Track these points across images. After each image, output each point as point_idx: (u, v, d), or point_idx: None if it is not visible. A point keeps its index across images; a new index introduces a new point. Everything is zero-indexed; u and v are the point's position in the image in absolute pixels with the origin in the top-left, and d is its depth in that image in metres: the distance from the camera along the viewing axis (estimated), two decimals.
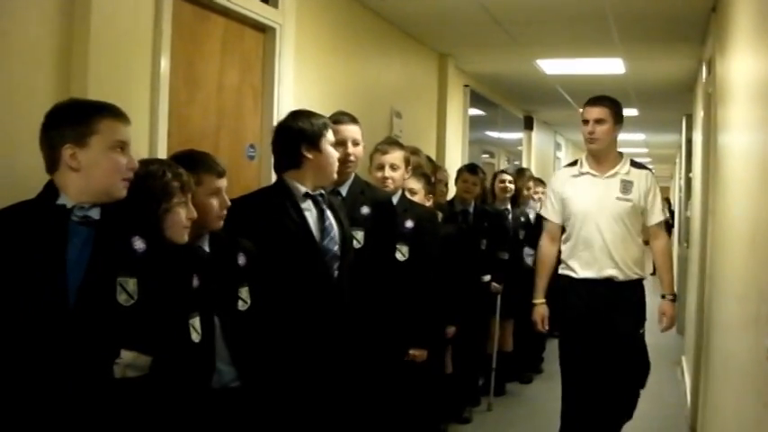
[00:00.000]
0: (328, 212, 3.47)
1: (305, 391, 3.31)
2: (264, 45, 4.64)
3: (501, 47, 7.62)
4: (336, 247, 3.43)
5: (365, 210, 3.85)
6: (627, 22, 6.47)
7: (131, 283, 2.48)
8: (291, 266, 3.33)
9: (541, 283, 4.93)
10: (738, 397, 3.21)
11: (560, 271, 4.84)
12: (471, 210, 6.36)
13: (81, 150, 2.47)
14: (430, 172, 5.22)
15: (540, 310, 4.90)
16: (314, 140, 3.46)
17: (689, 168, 9.63)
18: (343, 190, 3.94)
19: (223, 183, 3.08)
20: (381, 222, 3.91)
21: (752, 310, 2.94)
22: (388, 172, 4.30)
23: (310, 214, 3.44)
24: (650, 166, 4.74)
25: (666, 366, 7.67)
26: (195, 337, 2.80)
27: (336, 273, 3.43)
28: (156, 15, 3.56)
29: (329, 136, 3.50)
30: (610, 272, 4.64)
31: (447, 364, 5.72)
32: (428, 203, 4.89)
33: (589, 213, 4.69)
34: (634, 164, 4.82)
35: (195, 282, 2.86)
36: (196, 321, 2.81)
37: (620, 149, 4.86)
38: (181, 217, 2.78)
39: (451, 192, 6.64)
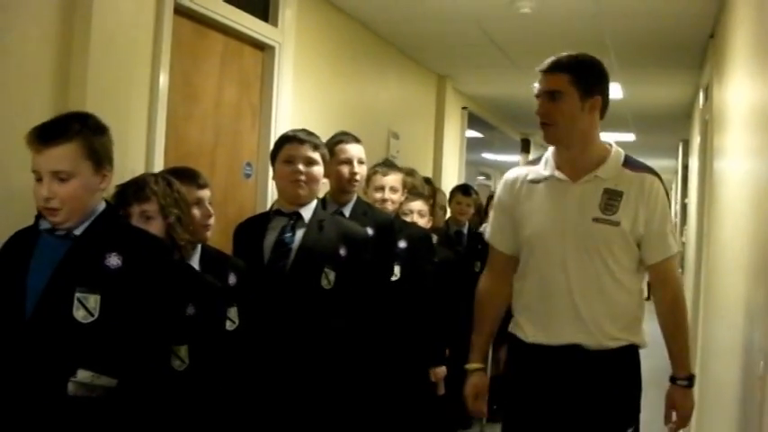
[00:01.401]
0: (299, 230, 3.39)
1: (269, 407, 3.26)
2: (263, 63, 4.65)
3: (499, 69, 7.65)
4: (284, 263, 3.35)
5: (368, 231, 3.82)
6: (625, 48, 6.50)
7: (92, 300, 2.41)
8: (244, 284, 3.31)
9: (478, 339, 3.23)
10: (730, 425, 3.20)
11: (509, 328, 3.13)
12: (465, 231, 6.35)
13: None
14: (428, 193, 5.22)
15: (474, 380, 3.18)
16: (273, 160, 3.50)
17: (685, 194, 9.66)
18: (347, 211, 3.93)
19: (204, 193, 3.11)
20: (382, 244, 3.89)
21: (744, 336, 2.93)
22: (387, 194, 4.30)
23: (273, 231, 3.42)
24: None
25: (658, 392, 7.65)
26: (178, 365, 2.76)
27: (280, 288, 3.32)
28: (155, 31, 3.56)
29: (284, 153, 3.44)
30: (574, 337, 2.90)
31: (439, 386, 5.70)
32: (428, 224, 4.88)
33: (548, 241, 2.96)
34: (630, 164, 3.01)
35: (191, 310, 2.83)
36: (182, 350, 2.77)
37: (608, 141, 3.09)
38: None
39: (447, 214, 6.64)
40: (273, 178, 3.54)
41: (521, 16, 5.60)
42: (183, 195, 2.94)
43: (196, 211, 3.06)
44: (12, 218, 2.60)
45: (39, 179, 2.43)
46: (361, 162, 3.98)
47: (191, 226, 2.95)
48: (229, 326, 3.03)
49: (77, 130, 2.47)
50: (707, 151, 5.69)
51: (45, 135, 2.43)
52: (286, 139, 3.48)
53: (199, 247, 3.09)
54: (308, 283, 3.34)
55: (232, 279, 3.09)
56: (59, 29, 3.08)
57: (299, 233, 3.39)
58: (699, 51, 6.36)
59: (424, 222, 4.72)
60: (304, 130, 3.53)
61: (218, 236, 3.52)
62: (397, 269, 4.19)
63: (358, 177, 3.96)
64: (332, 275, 3.38)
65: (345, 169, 3.90)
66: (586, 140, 2.98)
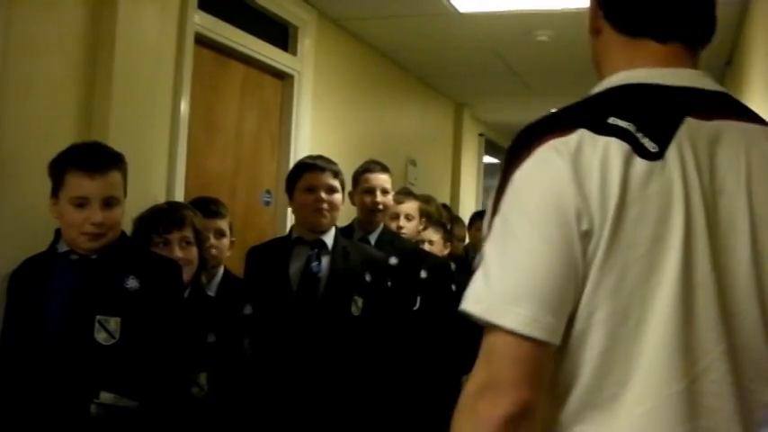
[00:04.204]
0: (324, 257, 3.38)
1: None
2: (282, 92, 4.69)
3: (516, 97, 7.67)
4: (315, 293, 3.33)
5: (393, 260, 3.80)
6: None
7: (113, 323, 2.43)
8: (267, 311, 3.29)
9: None
10: None
11: None
12: None
13: (57, 202, 2.50)
14: (446, 219, 5.19)
15: None
16: (289, 187, 3.49)
17: None
18: (372, 239, 3.92)
19: (210, 224, 3.12)
20: (406, 273, 3.87)
21: None
22: (402, 222, 4.23)
23: (297, 259, 3.43)
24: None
25: None
26: (197, 392, 2.77)
27: (312, 316, 3.30)
28: (177, 60, 3.61)
29: (304, 181, 3.42)
30: None
31: None
32: (445, 252, 4.85)
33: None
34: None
35: (212, 338, 2.85)
36: (202, 377, 2.79)
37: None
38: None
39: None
40: (291, 206, 3.54)
41: (538, 44, 5.63)
42: (204, 224, 3.00)
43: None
44: (36, 244, 2.62)
45: (80, 205, 2.45)
46: (385, 192, 3.96)
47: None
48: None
49: (122, 160, 2.55)
50: None
51: (101, 162, 2.48)
52: (305, 167, 3.47)
53: (220, 272, 3.12)
54: (340, 311, 3.34)
55: (248, 309, 3.09)
56: (83, 59, 3.13)
57: (325, 261, 3.37)
58: (715, 78, 6.32)
59: (437, 250, 4.69)
60: (321, 158, 3.52)
61: (239, 263, 3.55)
62: (417, 299, 4.17)
63: (380, 207, 3.95)
64: (360, 302, 3.38)
65: (368, 198, 3.91)
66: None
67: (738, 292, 1.31)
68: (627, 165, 1.27)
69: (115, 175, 2.51)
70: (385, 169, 4.04)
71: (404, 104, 6.79)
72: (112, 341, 2.43)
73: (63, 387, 2.39)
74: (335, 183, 3.43)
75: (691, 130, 1.33)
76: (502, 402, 1.24)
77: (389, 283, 3.58)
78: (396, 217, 4.24)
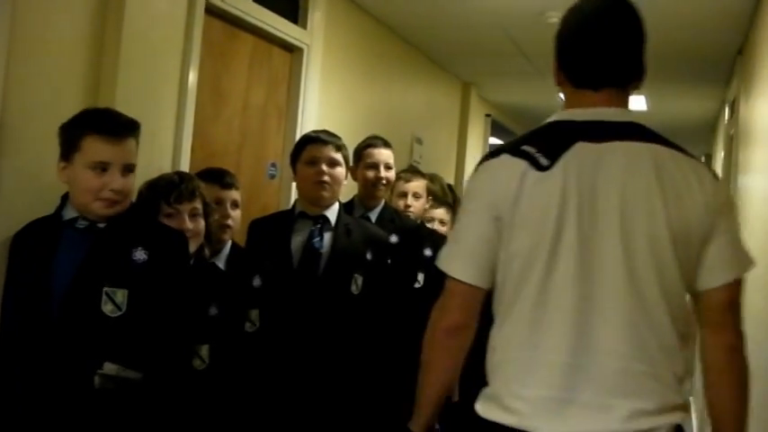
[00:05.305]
0: (326, 233, 3.38)
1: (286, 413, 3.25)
2: (291, 65, 4.67)
3: (525, 78, 7.64)
4: (315, 269, 3.33)
5: (393, 238, 3.79)
6: (652, 61, 6.43)
7: (120, 294, 2.44)
8: (270, 287, 3.28)
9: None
10: None
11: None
12: None
13: (68, 166, 2.49)
14: (449, 199, 5.18)
15: None
16: (293, 161, 3.48)
17: None
18: (373, 216, 3.90)
19: (227, 194, 3.13)
20: (407, 250, 3.86)
21: (766, 354, 2.92)
22: (410, 200, 4.23)
23: (300, 234, 3.41)
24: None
25: None
26: (198, 364, 2.78)
27: (311, 293, 3.30)
28: (186, 30, 3.58)
29: (306, 154, 3.41)
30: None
31: (454, 392, 5.67)
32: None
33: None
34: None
35: (214, 310, 2.85)
36: (204, 349, 2.79)
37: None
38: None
39: None
40: (294, 179, 3.53)
41: (549, 26, 5.56)
42: (219, 195, 3.04)
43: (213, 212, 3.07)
44: (43, 208, 2.61)
45: (101, 169, 2.44)
46: (388, 167, 3.95)
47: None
48: (249, 327, 3.03)
49: (138, 127, 2.55)
50: (731, 166, 5.67)
51: (122, 127, 2.49)
52: (308, 140, 3.46)
53: (228, 245, 3.11)
54: (339, 288, 3.33)
55: (257, 281, 3.08)
56: (92, 26, 3.10)
57: (328, 237, 3.37)
58: (726, 67, 6.33)
59: (445, 230, 4.68)
60: (325, 131, 3.51)
61: (240, 236, 3.54)
62: (420, 277, 4.16)
63: (384, 182, 3.93)
64: (360, 280, 3.37)
65: (371, 173, 3.88)
66: None
67: (605, 256, 1.89)
68: (523, 175, 1.94)
69: (132, 143, 2.52)
70: (387, 144, 4.02)
71: (411, 82, 6.77)
72: (119, 313, 2.43)
73: (67, 358, 2.39)
74: (338, 156, 3.42)
75: (580, 150, 1.94)
76: (444, 319, 2.08)
77: (389, 262, 3.57)
78: (403, 195, 4.23)
